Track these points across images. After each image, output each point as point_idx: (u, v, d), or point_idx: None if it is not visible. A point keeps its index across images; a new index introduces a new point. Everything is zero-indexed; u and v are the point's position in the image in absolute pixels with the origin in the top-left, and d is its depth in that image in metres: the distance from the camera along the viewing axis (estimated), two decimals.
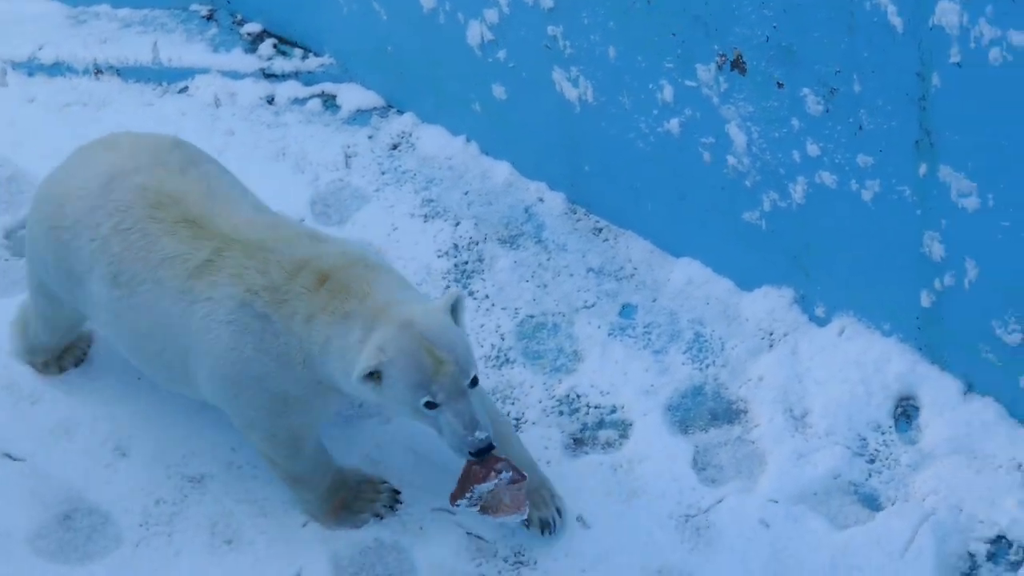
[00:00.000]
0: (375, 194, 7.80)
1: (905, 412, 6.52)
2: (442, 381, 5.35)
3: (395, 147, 8.02)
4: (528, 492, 5.88)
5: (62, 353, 6.75)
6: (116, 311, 5.83)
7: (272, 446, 5.91)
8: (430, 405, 5.38)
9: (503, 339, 7.00)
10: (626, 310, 7.17)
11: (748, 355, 6.85)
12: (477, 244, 7.49)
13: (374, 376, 5.32)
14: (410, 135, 8.06)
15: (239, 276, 5.55)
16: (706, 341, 6.96)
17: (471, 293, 7.22)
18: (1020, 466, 6.18)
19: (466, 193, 7.71)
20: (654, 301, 7.15)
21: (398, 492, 6.26)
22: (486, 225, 7.57)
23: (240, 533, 6.27)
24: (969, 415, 6.37)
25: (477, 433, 5.43)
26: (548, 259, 7.39)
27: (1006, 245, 5.85)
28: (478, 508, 5.76)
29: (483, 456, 5.52)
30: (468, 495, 5.72)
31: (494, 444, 5.51)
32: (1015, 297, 5.99)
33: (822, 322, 6.84)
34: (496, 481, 5.68)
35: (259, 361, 5.59)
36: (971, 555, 6.02)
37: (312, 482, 6.10)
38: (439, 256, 7.43)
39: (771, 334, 6.89)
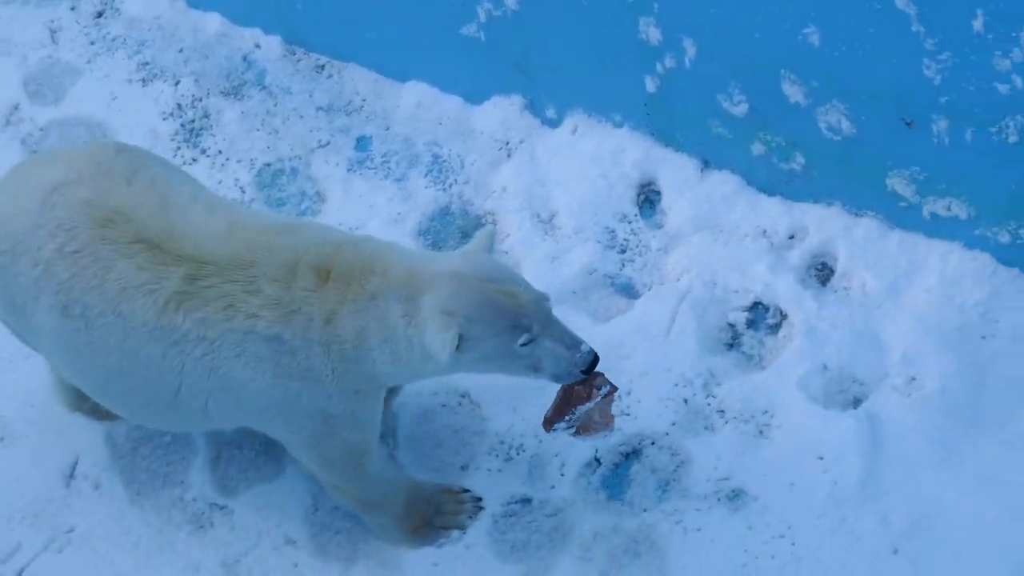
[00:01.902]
0: (87, 66, 7.27)
1: (648, 198, 6.43)
2: (529, 311, 4.69)
3: (100, 15, 7.47)
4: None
5: None
6: (72, 346, 4.96)
7: (331, 470, 5.24)
8: (525, 343, 4.71)
9: (243, 192, 6.67)
10: (361, 143, 6.88)
11: (488, 168, 6.65)
12: (200, 100, 7.07)
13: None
14: (113, 0, 7.50)
15: (232, 306, 4.77)
16: (445, 161, 6.73)
17: (202, 151, 6.84)
18: (765, 232, 6.15)
19: (180, 51, 7.25)
20: (387, 130, 6.87)
21: (480, 499, 5.64)
22: (207, 80, 7.14)
23: (10, 428, 5.90)
24: (709, 191, 6.30)
25: (582, 347, 4.78)
26: (275, 104, 7.02)
27: (720, 19, 5.72)
28: (574, 430, 5.08)
29: (591, 371, 4.85)
30: (568, 417, 5.02)
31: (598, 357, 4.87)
32: (737, 69, 5.89)
33: (554, 123, 6.67)
34: (597, 399, 4.99)
35: (283, 387, 4.89)
36: (731, 325, 6.00)
37: (385, 504, 5.44)
38: (164, 119, 7.00)
39: (507, 143, 6.69)
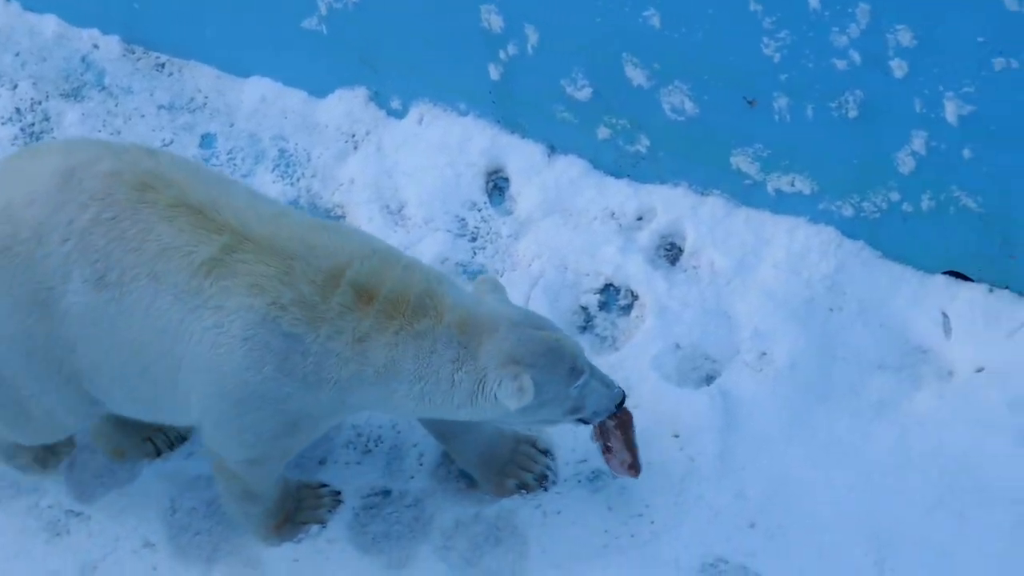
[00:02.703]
0: None
1: (496, 185, 6.35)
2: (578, 354, 4.75)
3: None
4: (508, 459, 5.43)
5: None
6: (100, 322, 4.67)
7: (251, 467, 5.03)
8: (579, 386, 4.76)
9: None
10: (206, 140, 6.69)
11: (335, 160, 6.51)
12: (40, 103, 6.81)
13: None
14: None
15: (259, 287, 4.56)
16: (291, 155, 6.58)
17: None
18: (613, 214, 6.10)
19: (17, 54, 6.98)
20: (232, 126, 6.70)
21: (339, 492, 5.52)
22: (45, 82, 6.88)
23: None
24: (557, 175, 6.23)
25: (617, 385, 4.91)
26: (116, 105, 6.79)
27: (561, 4, 5.69)
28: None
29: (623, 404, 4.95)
30: (636, 443, 5.06)
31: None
32: (579, 54, 5.83)
33: (400, 114, 6.56)
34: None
35: (279, 383, 4.65)
36: (584, 308, 5.93)
37: (263, 496, 5.24)
38: (3, 123, 6.74)
39: (353, 135, 6.56)
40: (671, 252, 6.04)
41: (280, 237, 4.62)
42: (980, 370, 5.48)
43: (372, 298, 4.60)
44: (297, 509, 5.41)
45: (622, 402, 4.90)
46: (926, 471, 5.21)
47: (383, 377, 4.65)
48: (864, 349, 5.61)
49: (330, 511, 5.46)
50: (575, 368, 4.70)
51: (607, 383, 4.84)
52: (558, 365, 4.66)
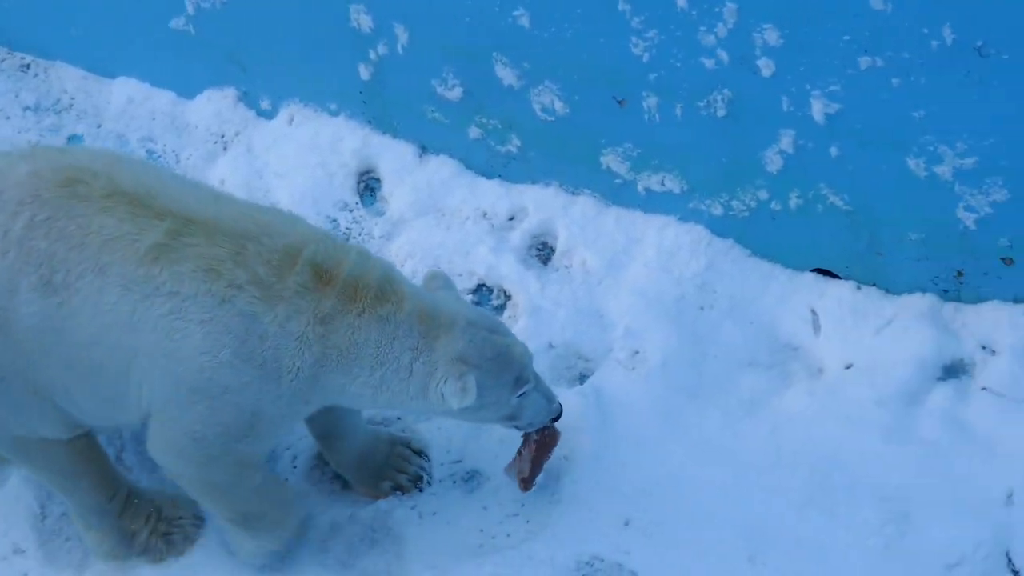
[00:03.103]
0: None
1: (368, 186, 6.30)
2: (526, 363, 4.76)
3: None
4: (383, 461, 5.35)
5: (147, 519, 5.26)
6: (52, 328, 4.47)
7: (209, 479, 4.81)
8: (522, 395, 4.78)
9: None
10: (73, 142, 6.57)
11: (205, 161, 6.43)
12: None
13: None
14: None
15: (215, 270, 4.39)
16: (160, 156, 6.48)
17: None
18: (485, 214, 6.08)
19: None
20: (99, 127, 6.59)
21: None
22: None
23: None
24: (429, 176, 6.19)
25: (556, 400, 4.96)
26: None
27: (430, 4, 5.66)
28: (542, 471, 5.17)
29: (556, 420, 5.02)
30: (545, 464, 5.12)
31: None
32: (449, 54, 5.79)
33: (270, 115, 6.49)
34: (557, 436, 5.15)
35: (236, 369, 4.47)
36: None
37: (268, 518, 5.01)
38: None
39: (223, 136, 6.48)
40: (543, 252, 6.01)
41: (226, 218, 4.48)
42: (849, 367, 5.49)
43: (331, 279, 4.51)
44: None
45: (556, 418, 4.96)
46: (797, 468, 5.20)
47: (345, 361, 4.55)
48: (735, 347, 5.60)
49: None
50: (521, 377, 4.72)
51: (549, 397, 4.89)
52: (505, 372, 4.67)
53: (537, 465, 5.05)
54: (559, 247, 5.96)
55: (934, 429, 5.22)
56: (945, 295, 5.52)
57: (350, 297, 4.52)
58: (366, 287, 4.54)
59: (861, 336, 5.53)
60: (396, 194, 6.19)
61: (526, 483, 5.06)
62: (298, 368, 4.50)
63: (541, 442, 5.02)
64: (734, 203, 5.67)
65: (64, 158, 4.52)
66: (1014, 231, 5.20)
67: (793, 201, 5.52)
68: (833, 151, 5.26)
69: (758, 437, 5.28)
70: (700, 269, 5.77)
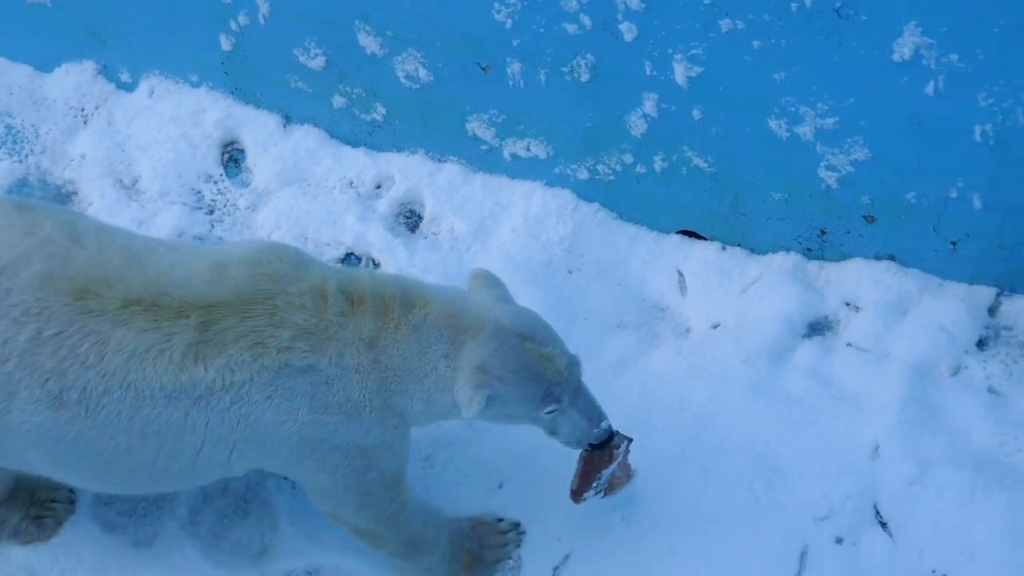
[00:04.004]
0: None
1: (232, 157, 6.12)
2: (560, 381, 4.32)
3: None
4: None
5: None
6: (66, 438, 4.14)
7: (369, 509, 4.58)
8: (550, 412, 4.37)
9: None
10: None
11: (64, 136, 6.20)
12: None
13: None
14: None
15: (258, 343, 4.12)
16: (18, 132, 6.22)
17: None
18: (351, 183, 5.96)
19: None
20: None
21: (519, 524, 5.08)
22: None
23: None
24: (293, 145, 6.06)
25: (602, 424, 4.48)
26: None
27: None
28: (603, 494, 4.72)
29: (604, 445, 4.56)
30: (595, 484, 4.65)
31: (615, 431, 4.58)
32: (311, 23, 5.67)
33: (130, 87, 6.29)
34: (619, 460, 4.66)
35: (319, 422, 4.25)
36: None
37: (429, 542, 4.80)
38: None
39: (83, 110, 6.26)
40: (411, 219, 5.89)
41: (243, 286, 4.20)
42: (716, 326, 5.46)
43: (362, 300, 4.27)
44: (483, 547, 5.02)
45: (605, 442, 4.55)
46: (667, 426, 5.14)
47: (402, 379, 4.31)
48: (603, 309, 5.53)
49: (517, 546, 5.06)
50: (550, 394, 4.34)
51: (591, 416, 4.47)
52: (530, 386, 4.30)
53: (584, 482, 4.67)
54: (426, 214, 5.85)
55: (800, 385, 5.20)
56: (809, 254, 5.52)
57: (384, 312, 4.28)
58: (391, 299, 4.29)
59: (727, 296, 5.51)
60: (261, 165, 6.02)
61: (574, 496, 4.70)
62: (369, 399, 4.31)
63: (589, 459, 4.64)
64: (599, 167, 5.60)
65: (78, 257, 4.11)
66: (875, 189, 5.19)
67: (658, 164, 5.46)
68: (696, 114, 5.20)
69: (629, 397, 5.21)
70: (567, 233, 5.70)
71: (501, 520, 5.06)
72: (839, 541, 4.86)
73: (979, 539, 4.78)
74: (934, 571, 4.78)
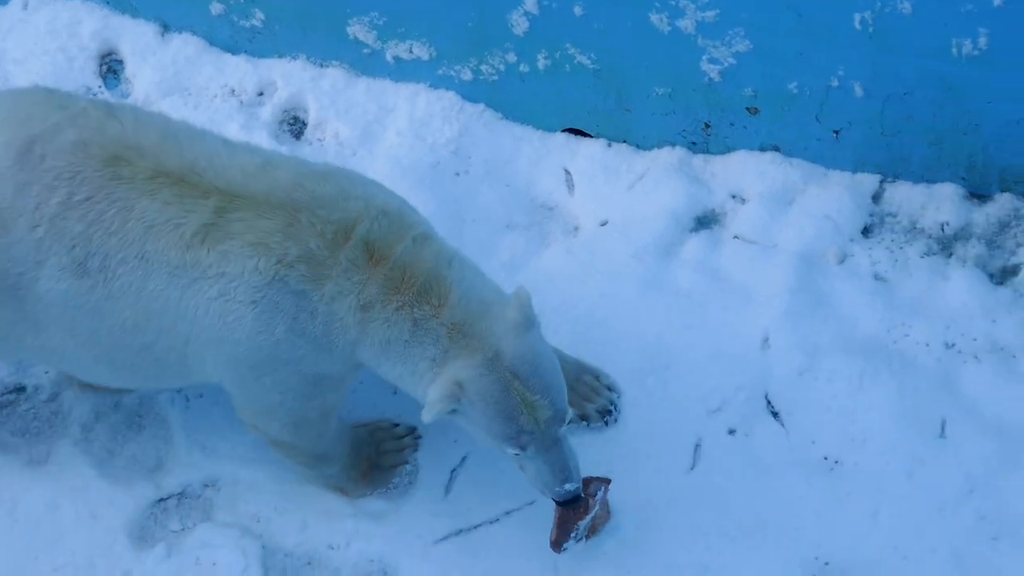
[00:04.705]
0: None
1: (111, 68, 5.92)
2: (533, 431, 4.14)
3: None
4: (572, 386, 4.74)
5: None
6: (85, 307, 4.18)
7: (297, 431, 4.54)
8: (515, 454, 4.22)
9: None
10: None
11: None
12: None
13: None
14: None
15: (263, 244, 4.05)
16: None
17: None
18: (233, 91, 5.81)
19: None
20: None
21: (415, 428, 4.97)
22: None
23: None
24: (173, 54, 5.87)
25: (567, 486, 4.29)
26: None
27: None
28: (584, 539, 4.56)
29: (570, 505, 4.40)
30: (573, 535, 4.50)
31: (582, 494, 4.39)
32: None
33: (3, 1, 6.05)
34: (596, 509, 4.51)
35: (292, 344, 4.17)
36: None
37: (334, 454, 4.76)
38: None
39: None
40: (295, 126, 5.75)
41: (278, 189, 4.13)
42: (604, 223, 5.39)
43: (383, 259, 4.12)
44: (380, 453, 4.96)
45: (568, 501, 4.37)
46: (560, 324, 5.06)
47: (375, 351, 4.20)
48: (492, 210, 5.45)
49: (414, 450, 4.98)
50: (514, 439, 4.16)
51: (557, 474, 4.29)
52: (499, 423, 4.12)
53: (562, 532, 4.53)
54: (311, 120, 5.71)
55: (690, 279, 5.16)
56: (694, 147, 5.45)
57: (395, 286, 4.12)
58: (412, 278, 4.12)
59: (614, 192, 5.44)
60: (140, 75, 5.83)
61: (553, 545, 4.55)
62: (343, 344, 4.21)
63: (564, 513, 4.50)
64: (483, 67, 5.49)
65: (111, 126, 4.16)
66: (758, 81, 5.14)
67: (541, 63, 5.36)
68: (577, 10, 5.10)
69: None
70: (454, 135, 5.58)
71: (397, 425, 4.98)
72: (732, 432, 4.86)
73: (869, 425, 4.82)
74: (826, 458, 4.80)
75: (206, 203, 4.08)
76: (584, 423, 4.90)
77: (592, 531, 4.60)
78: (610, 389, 4.95)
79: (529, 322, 4.13)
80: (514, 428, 4.12)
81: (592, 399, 4.92)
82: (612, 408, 4.92)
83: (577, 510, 4.47)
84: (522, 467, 4.32)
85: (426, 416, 4.08)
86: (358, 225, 4.13)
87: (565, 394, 4.21)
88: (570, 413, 4.23)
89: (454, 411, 4.12)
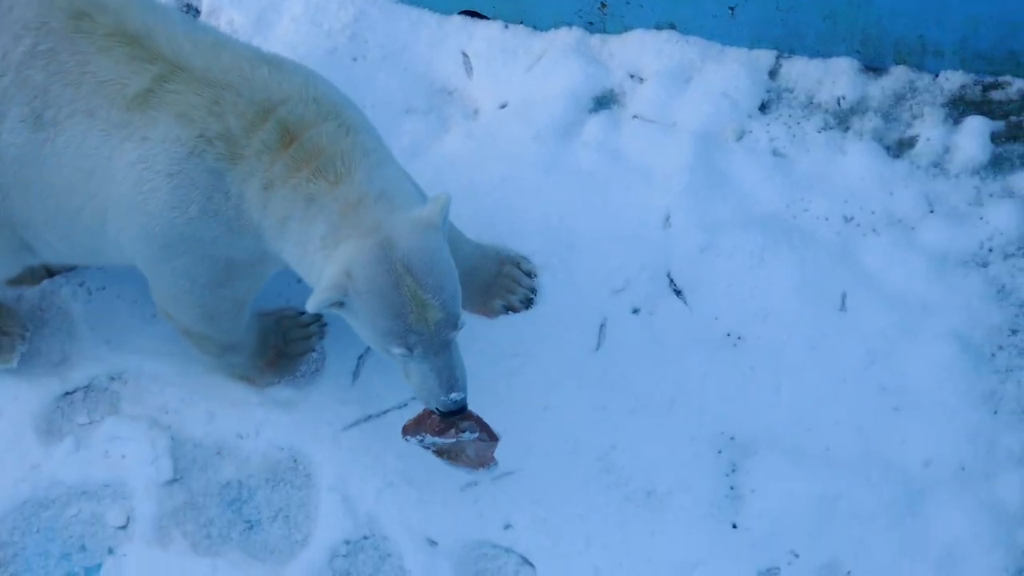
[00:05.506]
0: None
1: None
2: (422, 331, 3.91)
3: None
4: (492, 280, 4.79)
5: None
6: (33, 164, 4.16)
7: (210, 322, 4.46)
8: (400, 355, 3.99)
9: None
10: None
11: None
12: None
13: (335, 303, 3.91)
14: None
15: (187, 116, 3.96)
16: None
17: None
18: None
19: None
20: None
21: (321, 316, 4.84)
22: None
23: None
24: None
25: (452, 395, 4.09)
26: None
27: None
28: (432, 451, 4.46)
29: (451, 417, 4.21)
30: (419, 437, 4.38)
31: (467, 407, 4.19)
32: None
33: None
34: (456, 440, 4.37)
35: (204, 224, 4.07)
36: None
37: (240, 343, 4.68)
38: None
39: None
40: (188, 14, 5.54)
41: (216, 67, 4.04)
42: (504, 106, 5.29)
43: (293, 141, 3.97)
44: (287, 342, 4.87)
45: (447, 413, 4.17)
46: (462, 208, 4.95)
47: (276, 234, 4.04)
48: (391, 95, 5.33)
49: (320, 337, 4.90)
50: (400, 338, 3.94)
51: (443, 382, 4.09)
52: (385, 318, 3.90)
53: (415, 425, 4.40)
54: (204, 8, 5.55)
55: (591, 160, 5.09)
56: (591, 27, 5.32)
57: (296, 166, 3.95)
58: (314, 157, 3.95)
59: (512, 74, 5.34)
60: None
61: (403, 429, 4.43)
62: (253, 227, 4.07)
63: (427, 413, 4.34)
64: None
65: None
66: None
67: None
68: None
69: (423, 182, 4.97)
70: (349, 20, 5.44)
71: (303, 313, 4.88)
72: (636, 311, 4.84)
73: (771, 300, 4.81)
74: (729, 334, 4.80)
75: (151, 68, 4.02)
76: (509, 313, 4.86)
77: (453, 458, 4.55)
78: (530, 275, 4.88)
79: (434, 222, 3.93)
80: (401, 326, 3.91)
81: (515, 290, 4.85)
82: (533, 296, 4.87)
83: (435, 423, 4.35)
84: (407, 373, 4.13)
85: (310, 306, 3.89)
86: (280, 107, 4.01)
87: (459, 301, 4.01)
88: (462, 320, 4.03)
89: (341, 304, 3.91)
